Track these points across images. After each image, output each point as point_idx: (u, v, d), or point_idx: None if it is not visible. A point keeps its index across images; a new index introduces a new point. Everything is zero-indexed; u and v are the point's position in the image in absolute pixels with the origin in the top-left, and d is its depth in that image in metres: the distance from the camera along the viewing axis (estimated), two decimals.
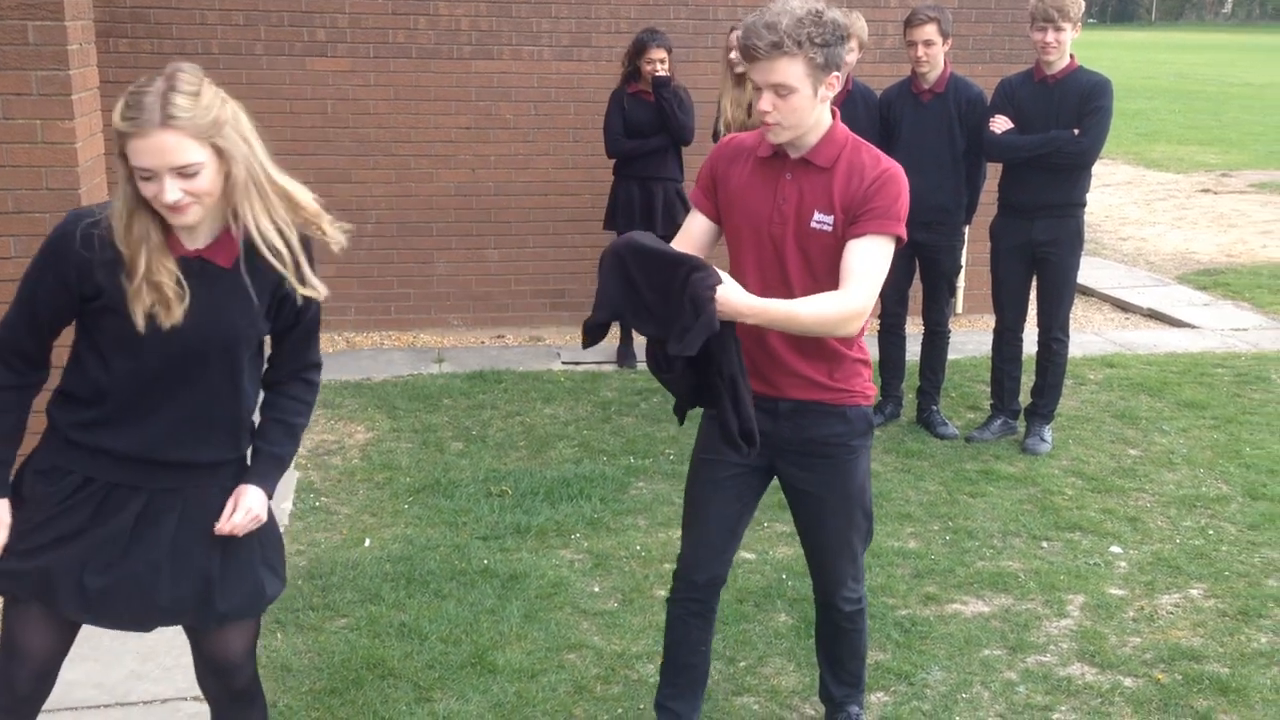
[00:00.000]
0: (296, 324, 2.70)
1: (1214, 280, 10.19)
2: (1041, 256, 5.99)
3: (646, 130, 7.08)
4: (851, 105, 6.15)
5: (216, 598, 2.73)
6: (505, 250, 8.22)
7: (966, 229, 6.53)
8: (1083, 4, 5.83)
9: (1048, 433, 6.16)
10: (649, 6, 8.10)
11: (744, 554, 4.88)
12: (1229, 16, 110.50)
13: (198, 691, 3.88)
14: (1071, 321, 6.28)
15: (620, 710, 3.79)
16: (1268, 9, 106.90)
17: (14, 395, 2.63)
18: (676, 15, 8.11)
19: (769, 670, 4.05)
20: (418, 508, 5.31)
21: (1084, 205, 5.98)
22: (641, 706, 3.77)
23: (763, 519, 5.09)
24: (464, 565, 4.72)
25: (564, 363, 7.49)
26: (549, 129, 8.11)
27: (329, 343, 7.86)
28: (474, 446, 6.02)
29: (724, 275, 2.86)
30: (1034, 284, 6.17)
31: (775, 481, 3.36)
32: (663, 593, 4.55)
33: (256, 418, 2.78)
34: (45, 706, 3.44)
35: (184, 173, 2.36)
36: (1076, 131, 5.73)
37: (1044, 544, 5.05)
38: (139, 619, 2.75)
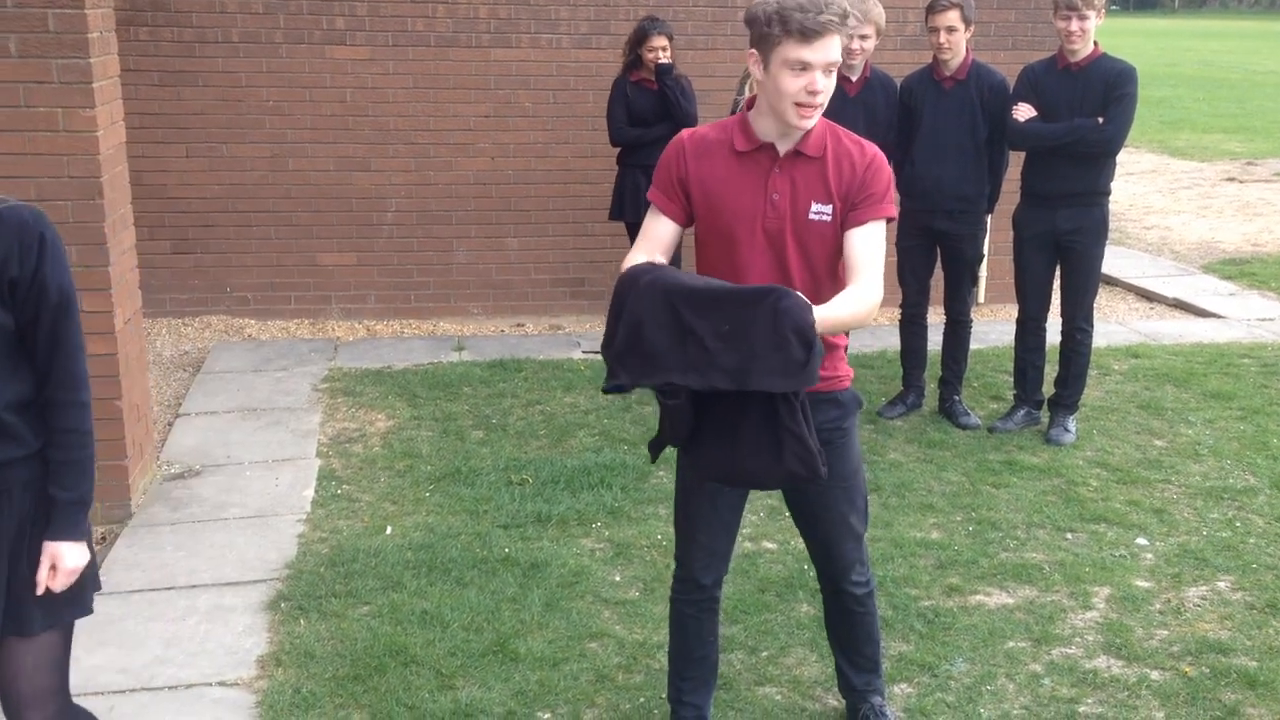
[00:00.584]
0: (38, 316, 2.50)
1: (1240, 270, 10.10)
2: (1066, 245, 5.94)
3: (649, 118, 7.04)
4: (870, 93, 6.11)
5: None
6: (525, 239, 8.20)
7: (989, 218, 6.48)
8: None
9: (1072, 423, 6.12)
10: None
11: (765, 544, 4.86)
12: (1254, 3, 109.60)
13: (224, 676, 3.91)
14: (1096, 311, 6.22)
15: (643, 699, 3.78)
16: None
17: None
18: (695, 2, 8.07)
19: (791, 660, 4.03)
20: (439, 496, 5.31)
21: (1108, 194, 5.93)
22: (663, 696, 3.76)
23: (783, 509, 5.07)
24: (485, 553, 4.72)
25: (584, 351, 7.47)
26: (568, 117, 8.09)
27: (349, 330, 7.87)
28: (494, 435, 6.02)
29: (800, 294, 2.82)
30: (1057, 273, 6.12)
31: None
32: None
33: None
34: (71, 689, 3.46)
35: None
36: (1101, 120, 5.68)
37: (1068, 535, 5.01)
38: None
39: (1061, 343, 6.14)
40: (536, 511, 5.10)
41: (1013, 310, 6.63)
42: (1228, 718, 3.73)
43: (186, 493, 5.36)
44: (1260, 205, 13.34)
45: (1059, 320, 6.15)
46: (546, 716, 3.70)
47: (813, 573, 4.54)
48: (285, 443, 5.94)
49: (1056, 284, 6.17)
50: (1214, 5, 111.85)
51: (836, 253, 3.05)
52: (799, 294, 2.80)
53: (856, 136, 3.10)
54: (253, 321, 7.95)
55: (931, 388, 6.56)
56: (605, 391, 2.90)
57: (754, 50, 2.98)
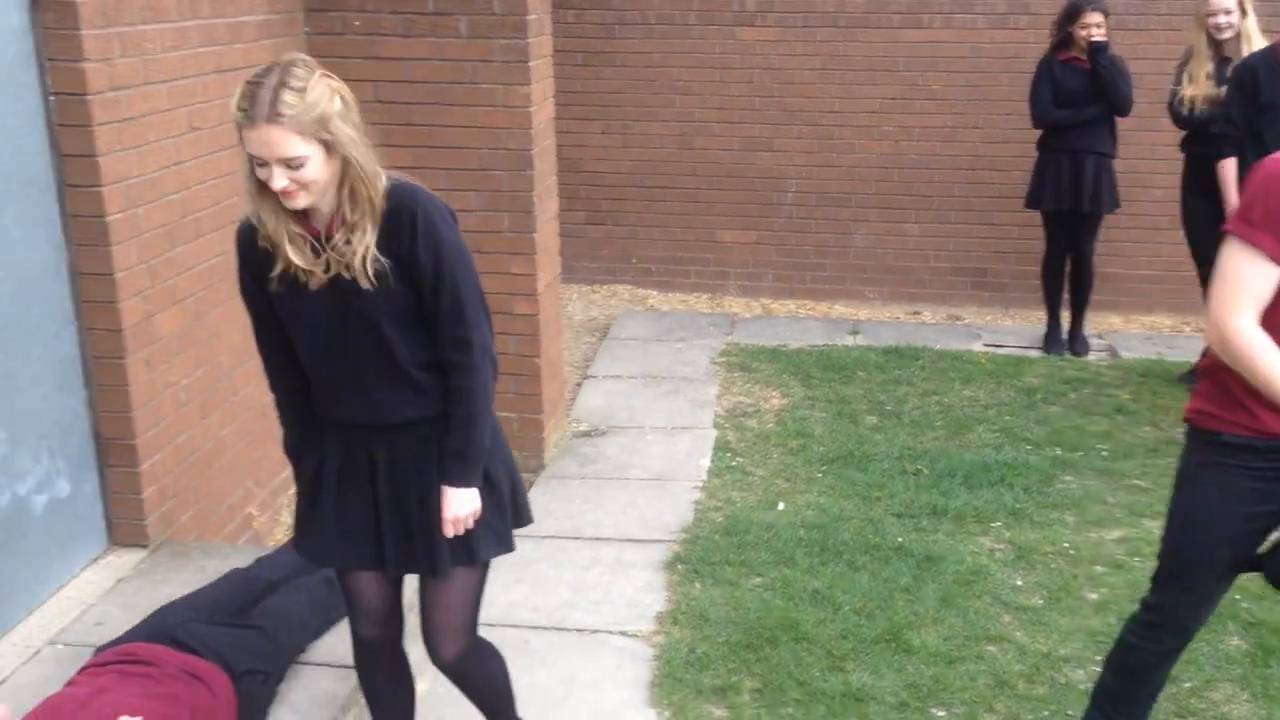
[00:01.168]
0: (437, 294, 2.61)
1: None
2: None
3: (1079, 99, 6.63)
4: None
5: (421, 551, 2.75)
6: (925, 225, 8.01)
7: None
8: None
9: None
10: None
11: None
12: None
13: (624, 627, 4.08)
14: None
15: (1046, 713, 3.60)
16: None
17: (298, 397, 2.77)
18: None
19: (1218, 696, 3.70)
20: (831, 478, 5.29)
21: None
22: (1070, 713, 3.56)
23: None
24: (877, 540, 4.65)
25: (985, 344, 7.21)
26: (979, 100, 7.80)
27: (746, 307, 8.00)
28: (889, 422, 5.92)
29: None
30: None
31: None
32: (1094, 596, 4.29)
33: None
34: (490, 620, 3.73)
35: (290, 164, 2.41)
36: None
37: None
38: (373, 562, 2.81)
39: None
40: (931, 504, 4.97)
41: None
42: None
43: (593, 450, 5.64)
44: None
45: None
46: (941, 714, 3.60)
47: (1246, 605, 4.15)
48: (684, 411, 6.12)
49: None
50: None
51: None
52: None
53: None
54: (655, 293, 8.26)
55: None
56: None
57: None
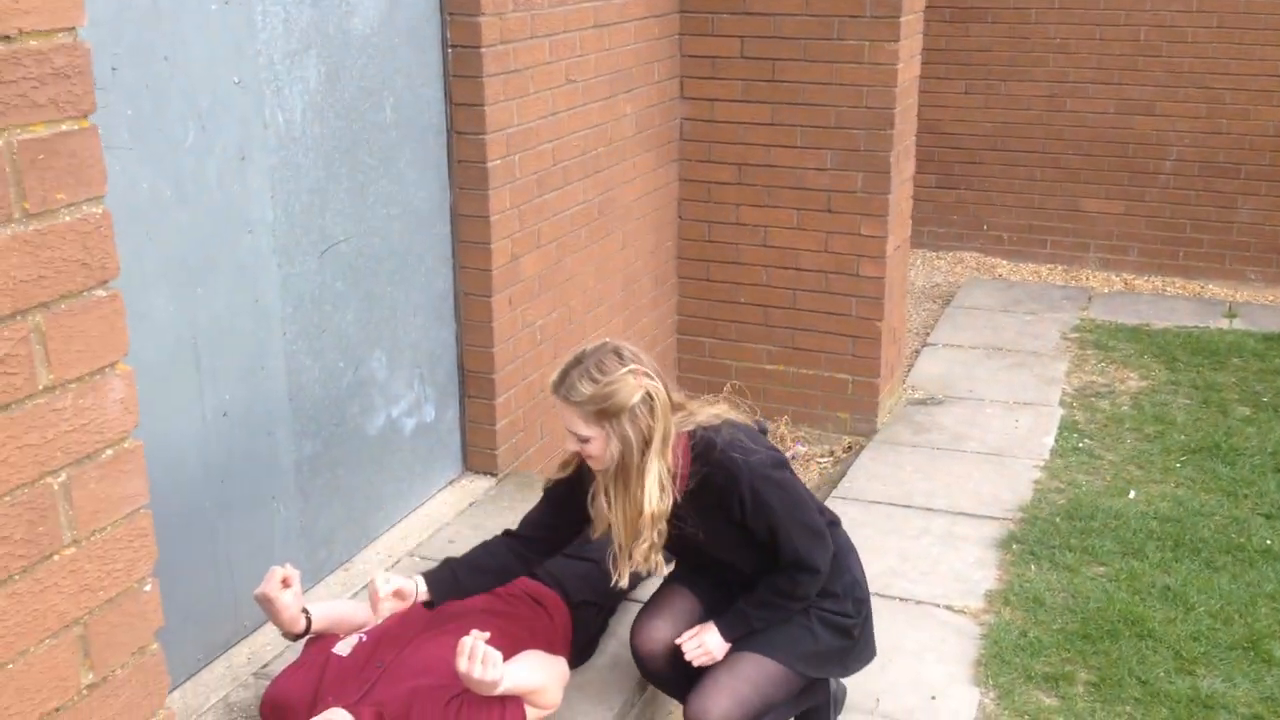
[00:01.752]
0: (775, 545, 2.83)
1: None
2: None
3: None
4: None
5: None
6: None
7: None
8: None
9: None
10: None
11: None
12: None
13: (951, 601, 3.99)
14: None
15: None
16: None
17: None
18: None
19: None
20: (1191, 469, 4.92)
21: None
22: None
23: None
24: (1242, 540, 4.29)
25: None
26: None
27: (1105, 281, 7.54)
28: (1264, 414, 5.43)
29: None
30: None
31: None
32: None
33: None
34: None
35: (577, 436, 2.72)
36: None
37: None
38: None
39: None
40: None
41: None
42: None
43: (928, 419, 5.52)
44: None
45: None
46: None
47: None
48: (1028, 386, 5.87)
49: None
50: None
51: None
52: None
53: None
54: (1004, 262, 7.93)
55: None
56: None
57: None
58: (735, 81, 5.22)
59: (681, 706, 3.00)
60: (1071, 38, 7.50)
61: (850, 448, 5.37)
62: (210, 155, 2.99)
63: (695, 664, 2.89)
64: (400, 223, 3.78)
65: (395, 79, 3.67)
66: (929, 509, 4.67)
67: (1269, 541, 4.27)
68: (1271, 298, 7.23)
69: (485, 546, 3.01)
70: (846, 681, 3.27)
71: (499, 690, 2.66)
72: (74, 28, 1.37)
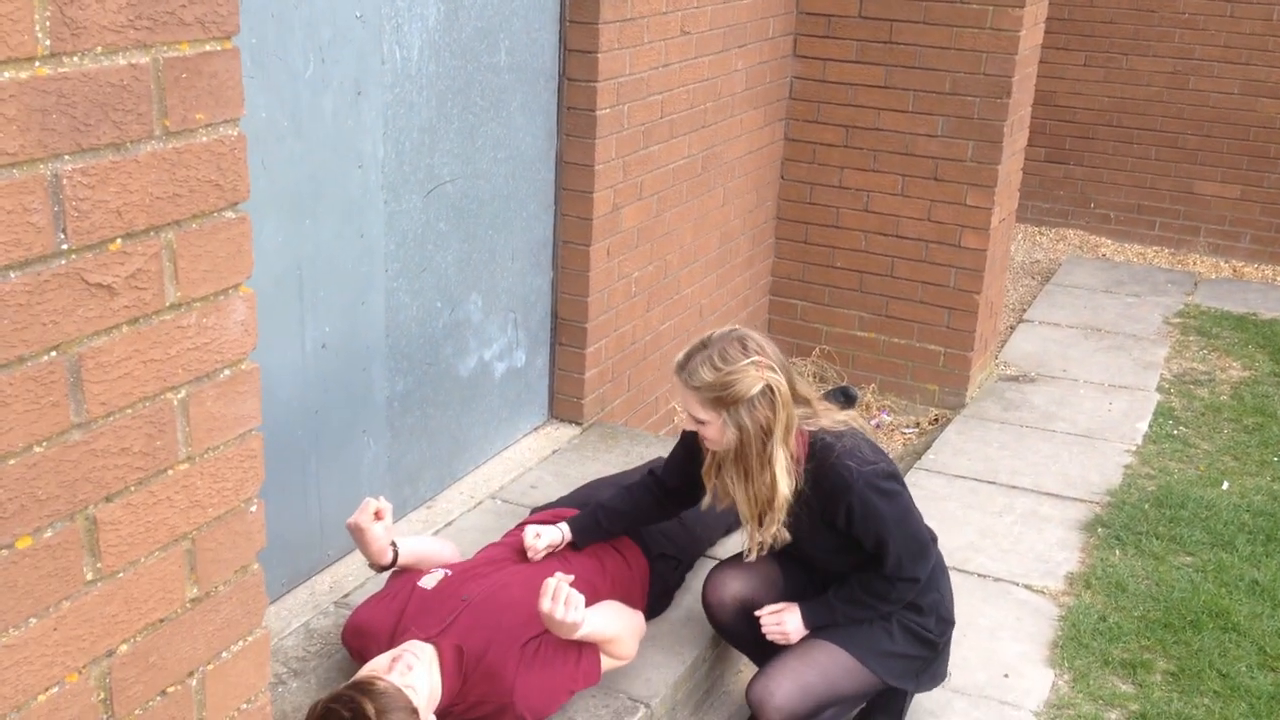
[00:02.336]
0: (880, 556, 2.86)
1: None
2: None
3: None
4: None
5: None
6: None
7: None
8: None
9: None
10: None
11: None
12: None
13: (1030, 581, 3.96)
14: None
15: None
16: None
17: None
18: None
19: None
20: None
21: None
22: None
23: None
24: None
25: None
26: None
27: (1213, 267, 7.33)
28: None
29: None
30: None
31: None
32: None
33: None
34: None
35: (694, 418, 2.76)
36: None
37: None
38: None
39: None
40: None
41: None
42: None
43: (1019, 396, 5.44)
44: None
45: None
46: None
47: None
48: (1124, 369, 5.75)
49: None
50: None
51: None
52: None
53: None
54: (1109, 241, 7.74)
55: None
56: None
57: None
58: (850, 41, 5.14)
59: (749, 661, 3.03)
60: (1201, 13, 7.25)
61: (937, 420, 5.32)
62: (327, 88, 3.03)
63: (769, 638, 2.91)
64: (506, 166, 3.80)
65: (512, 21, 3.68)
66: (1013, 487, 4.61)
67: None
68: None
69: (631, 490, 3.13)
70: None
71: (578, 634, 2.70)
72: None
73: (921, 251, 5.27)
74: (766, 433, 2.70)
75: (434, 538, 3.42)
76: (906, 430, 5.28)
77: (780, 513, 2.76)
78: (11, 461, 1.29)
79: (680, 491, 3.08)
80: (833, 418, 2.82)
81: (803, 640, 2.93)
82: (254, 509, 1.61)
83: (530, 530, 3.02)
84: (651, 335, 4.62)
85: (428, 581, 2.88)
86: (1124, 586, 3.90)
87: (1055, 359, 5.87)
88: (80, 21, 1.25)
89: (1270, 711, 3.32)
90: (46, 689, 1.38)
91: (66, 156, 1.27)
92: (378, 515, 2.86)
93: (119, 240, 1.34)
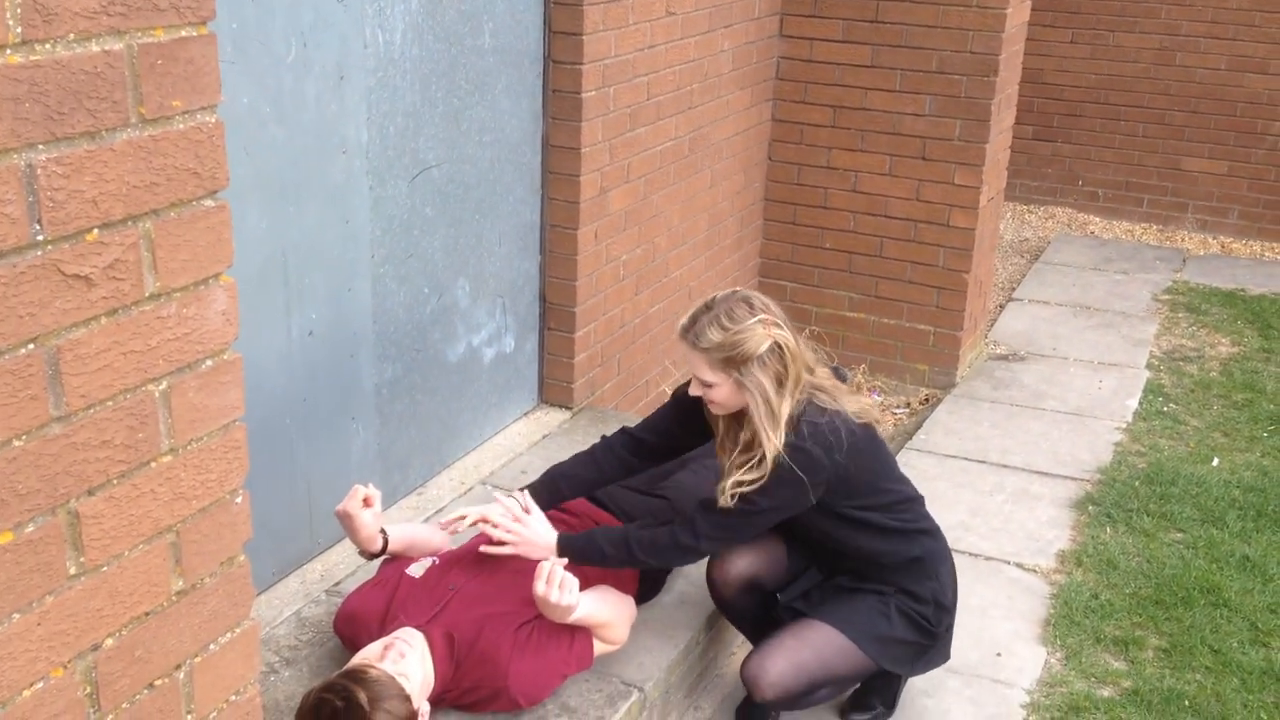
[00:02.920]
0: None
1: None
2: None
3: None
4: None
5: None
6: None
7: None
8: None
9: None
10: None
11: None
12: None
13: (1022, 559, 3.96)
14: None
15: None
16: None
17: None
18: None
19: None
20: (1278, 439, 4.81)
21: None
22: None
23: None
24: None
25: None
26: None
27: (1201, 243, 7.34)
28: None
29: None
30: None
31: None
32: None
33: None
34: None
35: (701, 381, 2.75)
36: None
37: None
38: None
39: None
40: None
41: None
42: None
43: (1008, 375, 5.44)
44: None
45: None
46: None
47: None
48: (1114, 347, 5.75)
49: None
50: None
51: None
52: None
53: None
54: (1097, 219, 7.74)
55: None
56: None
57: None
58: (836, 21, 5.12)
59: (743, 644, 3.02)
60: None
61: (927, 400, 5.31)
62: (309, 73, 3.01)
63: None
64: (492, 151, 3.78)
65: (495, 3, 3.65)
66: (1004, 466, 4.61)
67: None
68: None
69: (594, 448, 3.11)
70: None
71: (571, 618, 2.69)
72: None
73: (910, 231, 5.26)
74: (779, 384, 2.68)
75: (424, 524, 3.41)
76: (897, 410, 5.28)
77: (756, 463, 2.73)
78: None
79: (657, 450, 3.06)
80: (844, 399, 2.79)
81: (799, 620, 2.94)
82: (239, 500, 1.60)
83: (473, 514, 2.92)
84: (641, 318, 4.61)
85: (416, 569, 2.87)
86: (1115, 564, 3.91)
87: (1045, 337, 5.87)
88: (52, 8, 1.23)
89: (1262, 686, 3.33)
90: (31, 684, 1.37)
91: (40, 146, 1.25)
92: (367, 502, 2.85)
93: (96, 230, 1.33)
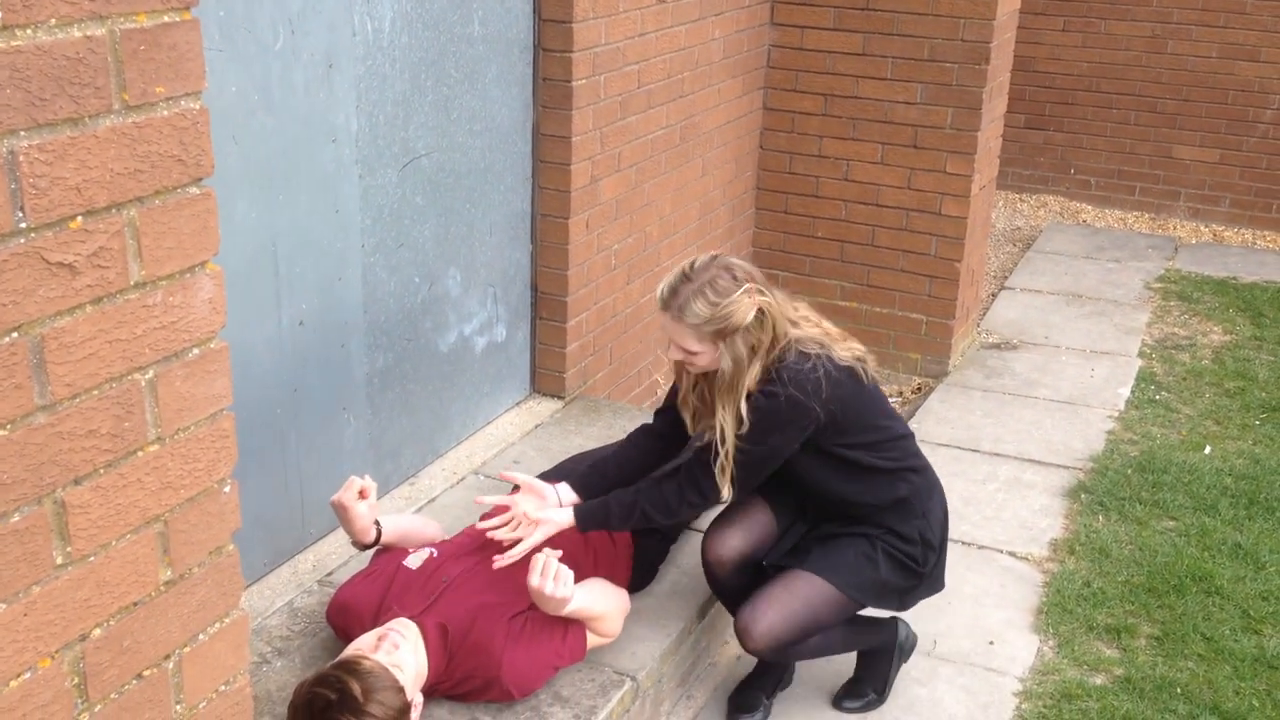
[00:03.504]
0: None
1: None
2: None
3: None
4: None
5: None
6: None
7: None
8: None
9: None
10: None
11: None
12: None
13: (1014, 548, 3.96)
14: None
15: None
16: None
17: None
18: None
19: None
20: (1270, 427, 4.81)
21: None
22: None
23: None
24: None
25: None
26: None
27: (1193, 231, 7.34)
28: None
29: None
30: None
31: None
32: None
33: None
34: None
35: (685, 350, 2.74)
36: None
37: None
38: None
39: None
40: None
41: None
42: None
43: (1000, 363, 5.44)
44: None
45: None
46: None
47: None
48: (1106, 335, 5.75)
49: None
50: None
51: None
52: None
53: None
54: (1089, 207, 7.74)
55: None
56: None
57: None
58: (827, 9, 5.10)
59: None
60: None
61: (920, 389, 5.31)
62: (298, 61, 2.99)
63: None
64: (482, 139, 3.76)
65: None
66: (997, 454, 4.62)
67: None
68: None
69: (621, 450, 3.09)
70: (906, 617, 3.27)
71: (565, 610, 2.68)
72: None
73: (902, 220, 5.25)
74: (754, 351, 2.71)
75: (417, 515, 3.40)
76: (890, 400, 5.27)
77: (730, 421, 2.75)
78: None
79: (667, 433, 3.05)
80: (815, 336, 2.80)
81: (787, 572, 2.93)
82: (228, 489, 1.59)
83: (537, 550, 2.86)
84: (632, 308, 4.60)
85: (413, 561, 2.86)
86: (1107, 552, 3.91)
87: (1037, 326, 5.87)
88: None
89: (1254, 673, 3.34)
90: (18, 675, 1.36)
91: (22, 132, 1.24)
92: (362, 494, 2.84)
93: (79, 218, 1.31)
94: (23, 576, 1.34)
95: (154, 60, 1.35)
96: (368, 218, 3.35)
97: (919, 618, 3.40)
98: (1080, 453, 4.60)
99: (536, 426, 4.12)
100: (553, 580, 2.62)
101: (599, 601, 2.81)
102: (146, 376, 1.43)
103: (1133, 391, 5.14)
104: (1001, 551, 3.96)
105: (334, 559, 3.31)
